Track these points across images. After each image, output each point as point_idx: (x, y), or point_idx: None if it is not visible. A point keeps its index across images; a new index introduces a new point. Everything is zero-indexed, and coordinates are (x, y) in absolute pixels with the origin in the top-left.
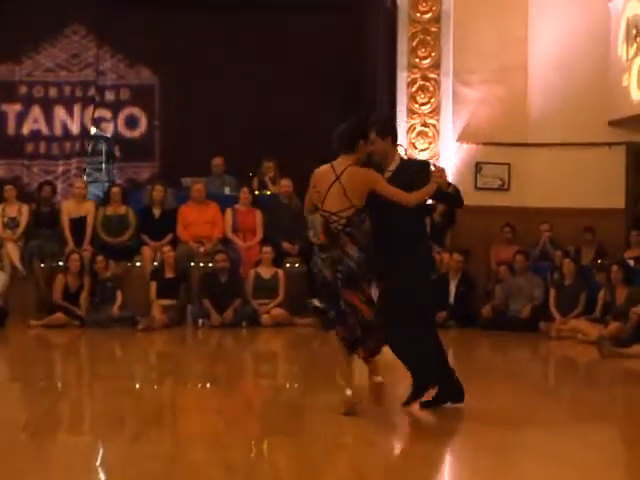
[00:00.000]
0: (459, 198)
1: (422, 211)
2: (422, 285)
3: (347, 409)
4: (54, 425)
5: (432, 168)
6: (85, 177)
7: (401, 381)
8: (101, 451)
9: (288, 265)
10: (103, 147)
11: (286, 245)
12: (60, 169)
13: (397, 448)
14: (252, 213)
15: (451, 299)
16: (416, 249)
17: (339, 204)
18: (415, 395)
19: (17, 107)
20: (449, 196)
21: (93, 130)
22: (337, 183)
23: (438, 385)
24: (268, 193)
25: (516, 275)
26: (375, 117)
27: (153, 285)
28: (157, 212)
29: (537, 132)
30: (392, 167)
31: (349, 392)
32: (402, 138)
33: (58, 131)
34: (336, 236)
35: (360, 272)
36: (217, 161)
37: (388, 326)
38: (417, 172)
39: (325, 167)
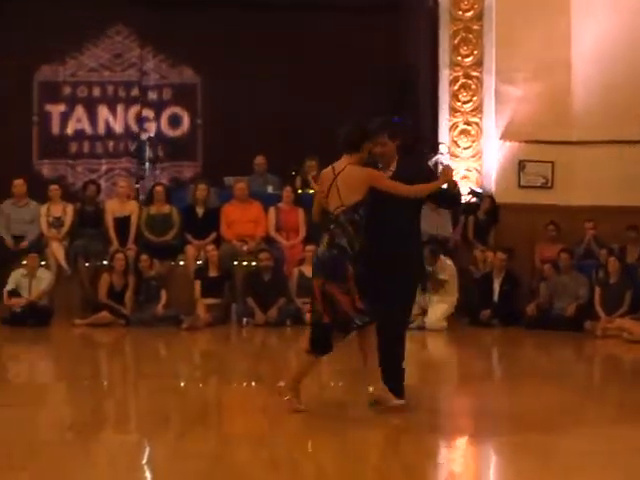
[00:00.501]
0: (458, 198)
1: (416, 209)
2: (407, 282)
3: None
4: (100, 424)
5: (440, 166)
6: (128, 176)
7: (444, 381)
8: (146, 449)
9: None
10: (146, 147)
11: None
12: (104, 168)
13: (442, 446)
14: (295, 212)
15: (495, 297)
16: (408, 245)
17: (334, 203)
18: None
19: (61, 107)
20: (450, 195)
21: (136, 130)
22: (334, 183)
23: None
24: (310, 192)
25: (561, 273)
26: (382, 120)
27: (197, 284)
28: (200, 211)
29: (581, 129)
30: (393, 167)
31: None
32: (444, 136)
33: (102, 131)
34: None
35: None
36: (259, 160)
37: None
38: (417, 172)
39: (328, 168)
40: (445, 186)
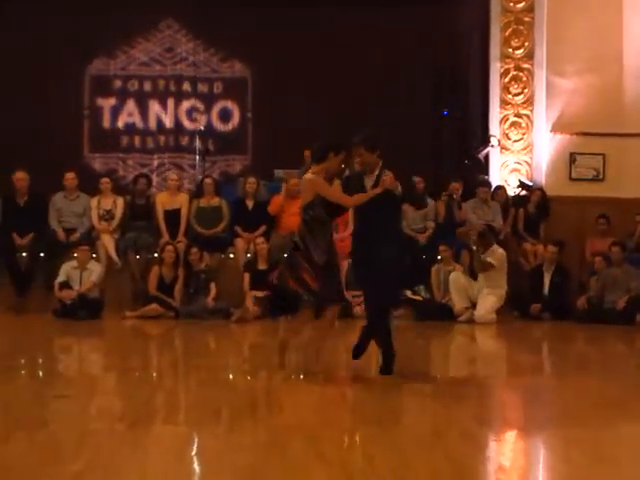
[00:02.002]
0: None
1: (389, 211)
2: (384, 273)
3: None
4: (150, 415)
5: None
6: (179, 170)
7: (493, 375)
8: (196, 441)
9: None
10: (196, 141)
11: None
12: (155, 162)
13: (491, 438)
14: None
15: (545, 291)
16: (383, 241)
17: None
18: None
19: (112, 101)
20: (413, 197)
21: (186, 124)
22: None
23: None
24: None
25: (612, 267)
26: (361, 134)
27: (246, 276)
28: (250, 204)
29: (632, 122)
30: (376, 172)
31: None
32: (495, 129)
33: (152, 125)
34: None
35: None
36: (309, 153)
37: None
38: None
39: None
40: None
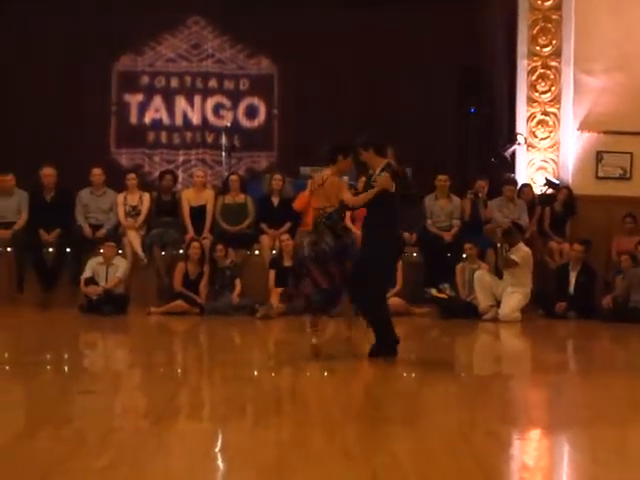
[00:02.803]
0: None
1: (383, 206)
2: (375, 261)
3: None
4: (175, 411)
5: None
6: (205, 167)
7: (517, 373)
8: (221, 438)
9: (406, 254)
10: (222, 137)
11: (404, 234)
12: (181, 159)
13: (516, 437)
14: None
15: (571, 290)
16: (374, 234)
17: (321, 202)
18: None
19: (139, 97)
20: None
21: (213, 121)
22: (321, 187)
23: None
24: (363, 179)
25: (638, 266)
26: (362, 136)
27: (272, 273)
28: (276, 201)
29: None
30: (378, 170)
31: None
32: (522, 127)
33: (179, 121)
34: (317, 225)
35: (331, 254)
36: None
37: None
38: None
39: (319, 173)
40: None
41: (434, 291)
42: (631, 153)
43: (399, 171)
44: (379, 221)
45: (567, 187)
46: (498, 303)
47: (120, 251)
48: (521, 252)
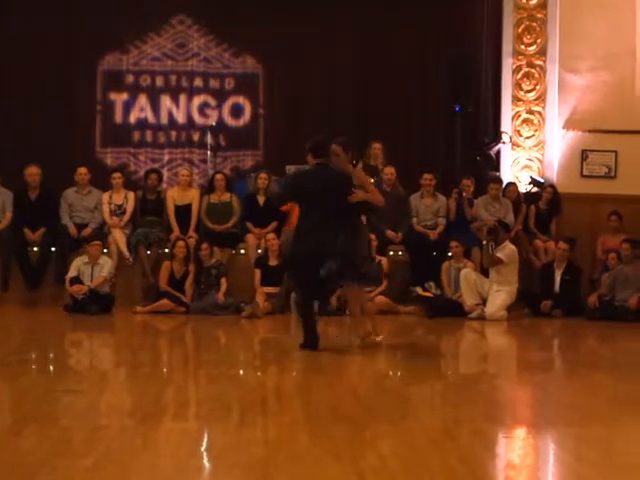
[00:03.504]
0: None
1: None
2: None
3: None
4: (161, 411)
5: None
6: (190, 165)
7: (503, 372)
8: (207, 437)
9: (392, 253)
10: (208, 136)
11: (390, 233)
12: (166, 158)
13: (502, 435)
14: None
15: (556, 288)
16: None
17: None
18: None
19: (124, 96)
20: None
21: (198, 120)
22: None
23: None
24: (372, 181)
25: (623, 264)
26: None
27: (257, 273)
28: (261, 200)
29: None
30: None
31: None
32: (507, 125)
33: (164, 120)
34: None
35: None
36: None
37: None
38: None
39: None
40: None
41: (420, 290)
42: (616, 151)
43: None
44: (345, 224)
45: (552, 185)
46: (484, 301)
47: (105, 250)
48: (506, 250)
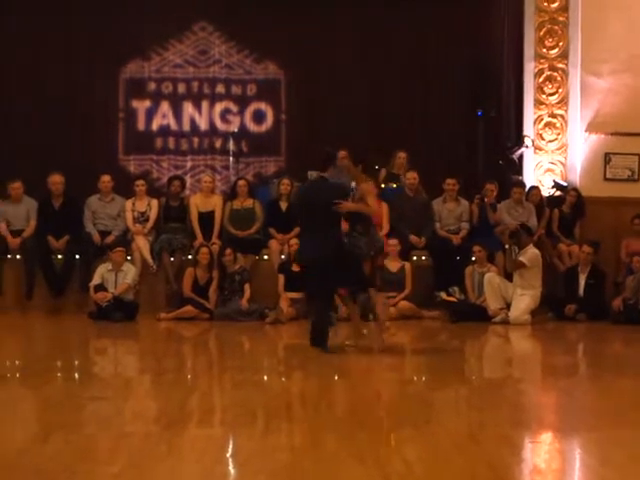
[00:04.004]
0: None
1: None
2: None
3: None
4: (185, 417)
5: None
6: (213, 172)
7: (528, 376)
8: (232, 443)
9: (415, 258)
10: (230, 142)
11: (413, 238)
12: (189, 164)
13: (528, 441)
14: (378, 206)
15: (580, 292)
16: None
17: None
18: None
19: (146, 103)
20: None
21: (220, 126)
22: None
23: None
24: (394, 186)
25: None
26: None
27: (281, 278)
28: (284, 205)
29: None
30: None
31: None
32: (529, 129)
33: (187, 127)
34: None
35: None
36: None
37: None
38: None
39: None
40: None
41: (443, 294)
42: (639, 154)
43: None
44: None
45: (575, 189)
46: (508, 306)
47: (129, 257)
48: (529, 254)
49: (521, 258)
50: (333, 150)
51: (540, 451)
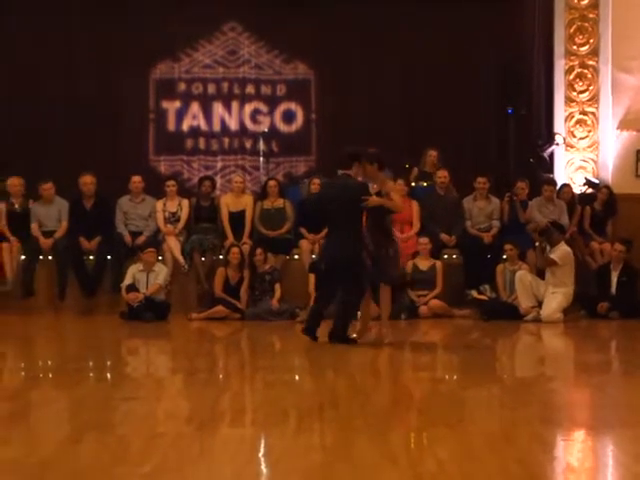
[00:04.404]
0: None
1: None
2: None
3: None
4: (217, 417)
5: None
6: (243, 172)
7: (560, 374)
8: (264, 442)
9: (446, 256)
10: (260, 143)
11: (444, 236)
12: (219, 165)
13: (560, 439)
14: (409, 204)
15: (613, 289)
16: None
17: None
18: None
19: (177, 104)
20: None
21: (250, 126)
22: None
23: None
24: (425, 184)
25: None
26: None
27: (312, 278)
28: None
29: None
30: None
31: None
32: (560, 127)
33: (217, 127)
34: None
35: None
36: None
37: None
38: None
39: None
40: None
41: (475, 293)
42: None
43: None
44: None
45: (607, 186)
46: (540, 304)
47: (160, 257)
48: (560, 251)
49: (552, 256)
50: (358, 148)
51: (573, 449)
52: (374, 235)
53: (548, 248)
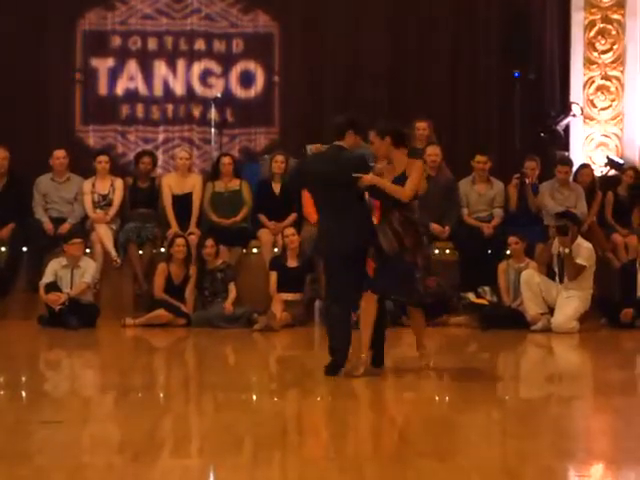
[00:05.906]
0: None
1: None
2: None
3: None
4: (156, 445)
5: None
6: (190, 146)
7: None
8: (214, 477)
9: (437, 251)
10: (212, 110)
11: (435, 227)
12: (161, 137)
13: (575, 475)
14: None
15: (639, 293)
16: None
17: None
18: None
19: (109, 62)
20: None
21: (200, 90)
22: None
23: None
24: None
25: None
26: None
27: (273, 276)
28: (277, 187)
29: None
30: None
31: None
32: (578, 94)
33: (158, 91)
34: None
35: None
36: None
37: None
38: None
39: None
40: None
41: (472, 296)
42: None
43: None
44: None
45: (633, 168)
46: (550, 310)
47: (88, 250)
48: (583, 250)
49: (579, 260)
50: (353, 116)
51: None
52: (394, 230)
53: (565, 251)
